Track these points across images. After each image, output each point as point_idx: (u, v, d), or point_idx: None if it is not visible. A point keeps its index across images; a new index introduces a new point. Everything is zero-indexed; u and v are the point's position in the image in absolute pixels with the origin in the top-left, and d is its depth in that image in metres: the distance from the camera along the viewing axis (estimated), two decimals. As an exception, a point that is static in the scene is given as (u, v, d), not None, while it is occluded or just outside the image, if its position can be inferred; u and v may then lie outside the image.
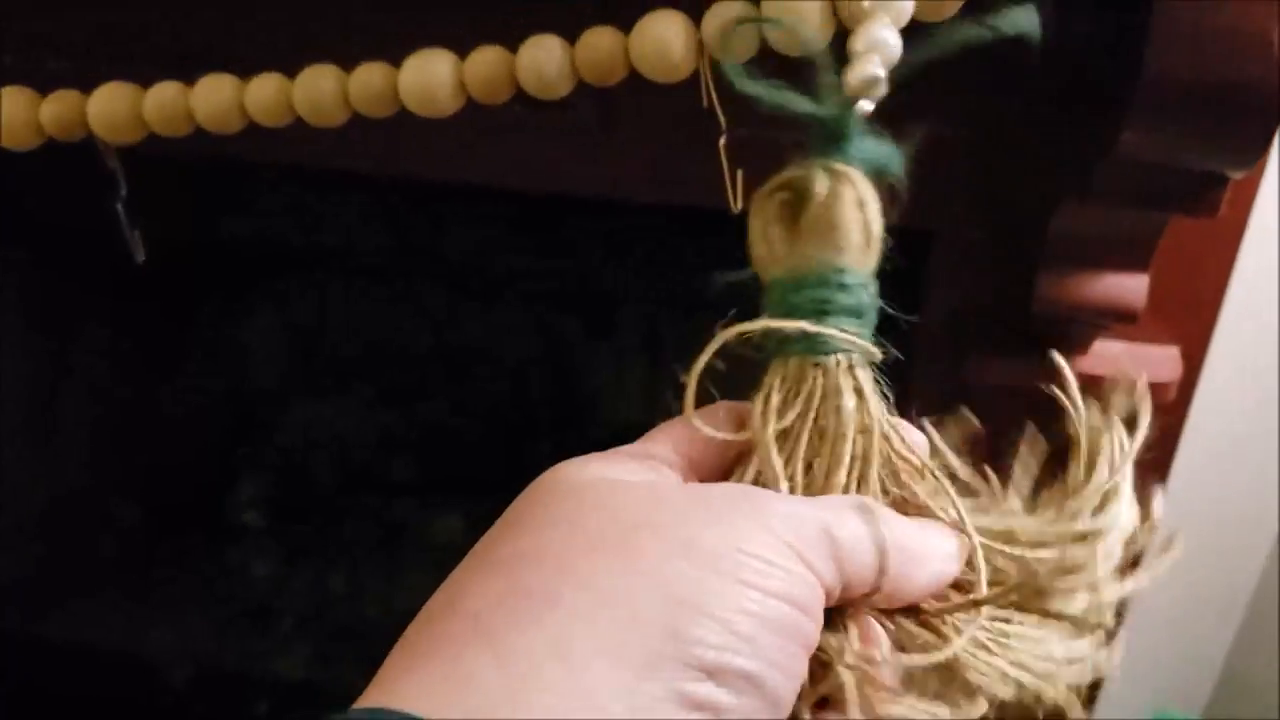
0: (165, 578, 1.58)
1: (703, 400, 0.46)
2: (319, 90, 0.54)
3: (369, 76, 0.54)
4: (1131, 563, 0.50)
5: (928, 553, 0.44)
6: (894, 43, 0.48)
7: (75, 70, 0.61)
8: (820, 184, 0.45)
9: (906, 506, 0.46)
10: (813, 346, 0.46)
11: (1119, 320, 0.81)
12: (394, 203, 1.12)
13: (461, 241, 1.21)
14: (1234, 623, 1.43)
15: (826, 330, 0.45)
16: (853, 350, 0.46)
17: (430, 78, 0.52)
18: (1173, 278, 0.85)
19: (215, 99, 0.56)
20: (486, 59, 0.52)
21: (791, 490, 0.44)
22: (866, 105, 0.46)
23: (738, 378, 0.48)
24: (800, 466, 0.45)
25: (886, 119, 0.48)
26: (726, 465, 0.47)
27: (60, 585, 1.48)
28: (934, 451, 0.52)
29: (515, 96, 0.83)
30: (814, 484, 0.45)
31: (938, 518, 0.45)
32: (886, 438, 0.46)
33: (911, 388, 0.93)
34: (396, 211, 1.14)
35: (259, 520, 1.59)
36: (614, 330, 1.41)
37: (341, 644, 1.53)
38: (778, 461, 0.45)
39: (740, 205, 0.54)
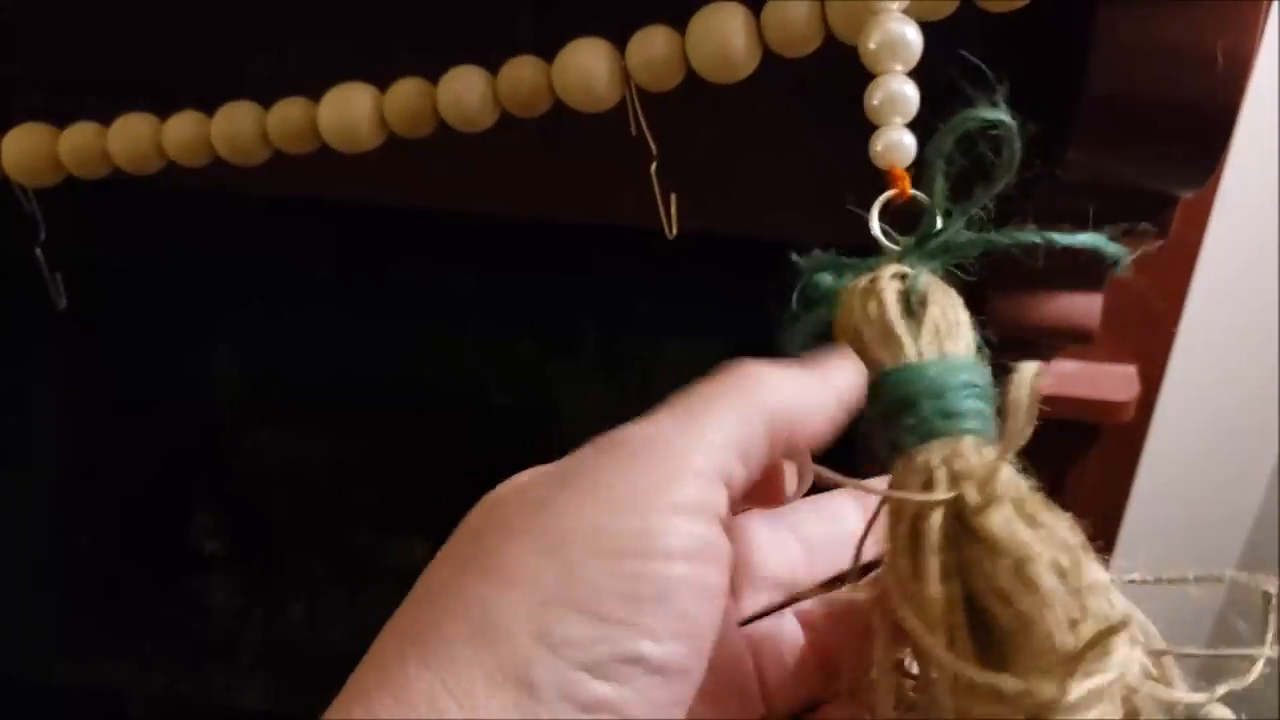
0: (124, 609, 1.56)
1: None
2: (237, 128, 0.53)
3: (288, 112, 0.52)
4: None
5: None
6: (911, 94, 0.49)
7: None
8: (938, 292, 0.46)
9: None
10: (979, 427, 0.44)
11: (1073, 340, 0.80)
12: (346, 229, 1.10)
13: (416, 266, 1.19)
14: (1203, 638, 1.42)
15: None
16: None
17: (350, 112, 0.51)
18: (1129, 295, 0.84)
19: (132, 138, 0.54)
20: (406, 92, 0.51)
21: None
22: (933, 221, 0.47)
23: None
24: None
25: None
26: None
27: (18, 618, 1.46)
28: None
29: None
30: None
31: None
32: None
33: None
34: (348, 238, 1.13)
35: (218, 549, 1.57)
36: (574, 353, 1.40)
37: (302, 674, 1.52)
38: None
39: (675, 230, 0.53)
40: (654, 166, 0.52)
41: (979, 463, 0.43)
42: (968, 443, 0.43)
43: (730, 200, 0.73)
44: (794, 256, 0.48)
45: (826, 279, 0.48)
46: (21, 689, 1.48)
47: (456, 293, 1.25)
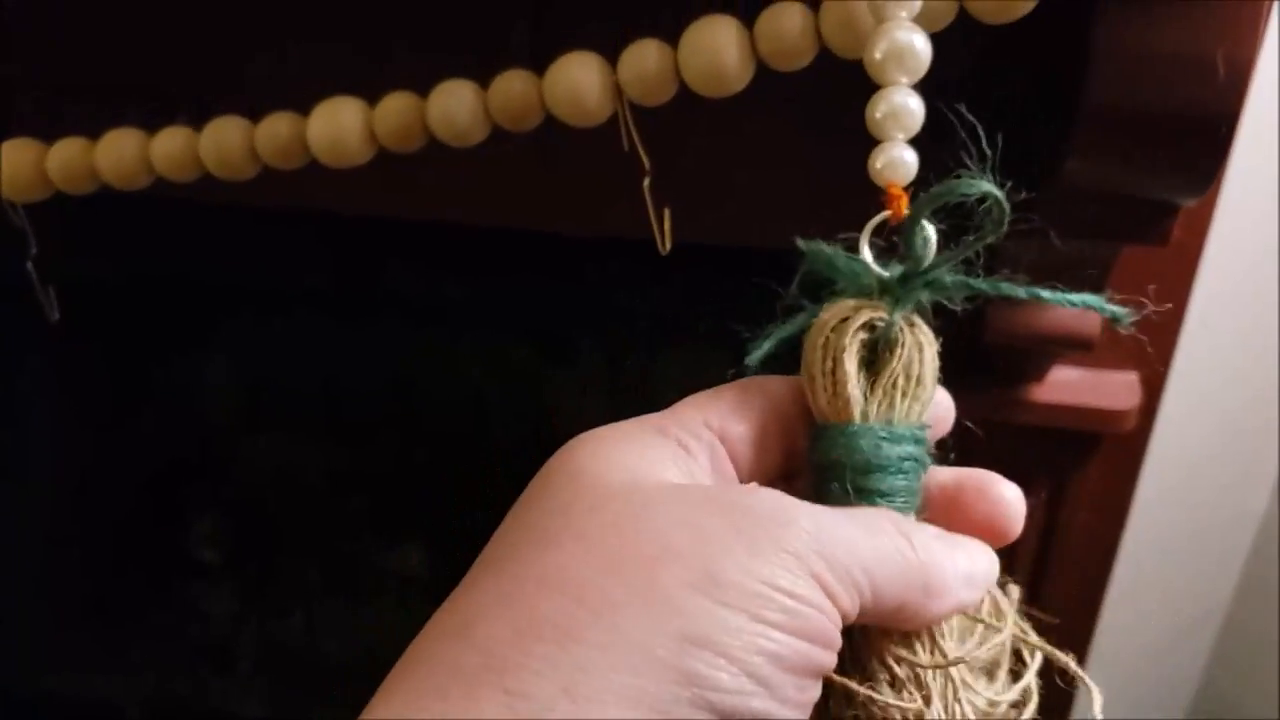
0: (120, 617, 1.56)
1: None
2: (226, 143, 0.52)
3: (277, 127, 0.52)
4: None
5: (954, 580, 0.43)
6: (916, 107, 0.48)
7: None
8: (907, 338, 0.46)
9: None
10: (898, 506, 0.44)
11: (1074, 349, 0.80)
12: (339, 238, 1.10)
13: (410, 274, 1.19)
14: (1206, 647, 1.42)
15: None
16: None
17: (339, 127, 0.50)
18: (1129, 303, 0.83)
19: (120, 154, 0.53)
20: (397, 106, 0.50)
21: None
22: (930, 252, 0.47)
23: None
24: None
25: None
26: (765, 451, 0.45)
27: (14, 628, 1.46)
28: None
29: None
30: None
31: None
32: None
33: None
34: (342, 246, 1.12)
35: (215, 558, 1.57)
36: (572, 360, 1.40)
37: (300, 681, 1.51)
38: None
39: (668, 246, 0.53)
40: (646, 182, 0.51)
41: None
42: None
43: (725, 212, 0.72)
44: (799, 242, 0.48)
45: (807, 308, 0.49)
46: (18, 698, 1.48)
47: (451, 301, 1.25)
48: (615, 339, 1.34)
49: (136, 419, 1.49)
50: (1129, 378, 0.87)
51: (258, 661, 1.53)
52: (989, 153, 0.46)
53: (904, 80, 0.47)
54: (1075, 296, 0.51)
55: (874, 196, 0.48)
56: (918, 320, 0.47)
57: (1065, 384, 0.86)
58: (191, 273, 1.07)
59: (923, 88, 0.67)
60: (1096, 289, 0.77)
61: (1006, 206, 0.46)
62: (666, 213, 0.52)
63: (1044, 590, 0.93)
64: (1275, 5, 0.57)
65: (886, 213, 0.47)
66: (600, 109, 0.49)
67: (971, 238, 0.46)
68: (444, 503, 1.47)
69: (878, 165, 0.47)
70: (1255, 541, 1.29)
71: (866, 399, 0.45)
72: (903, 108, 0.47)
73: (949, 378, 0.85)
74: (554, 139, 0.81)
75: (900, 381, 0.45)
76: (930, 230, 0.47)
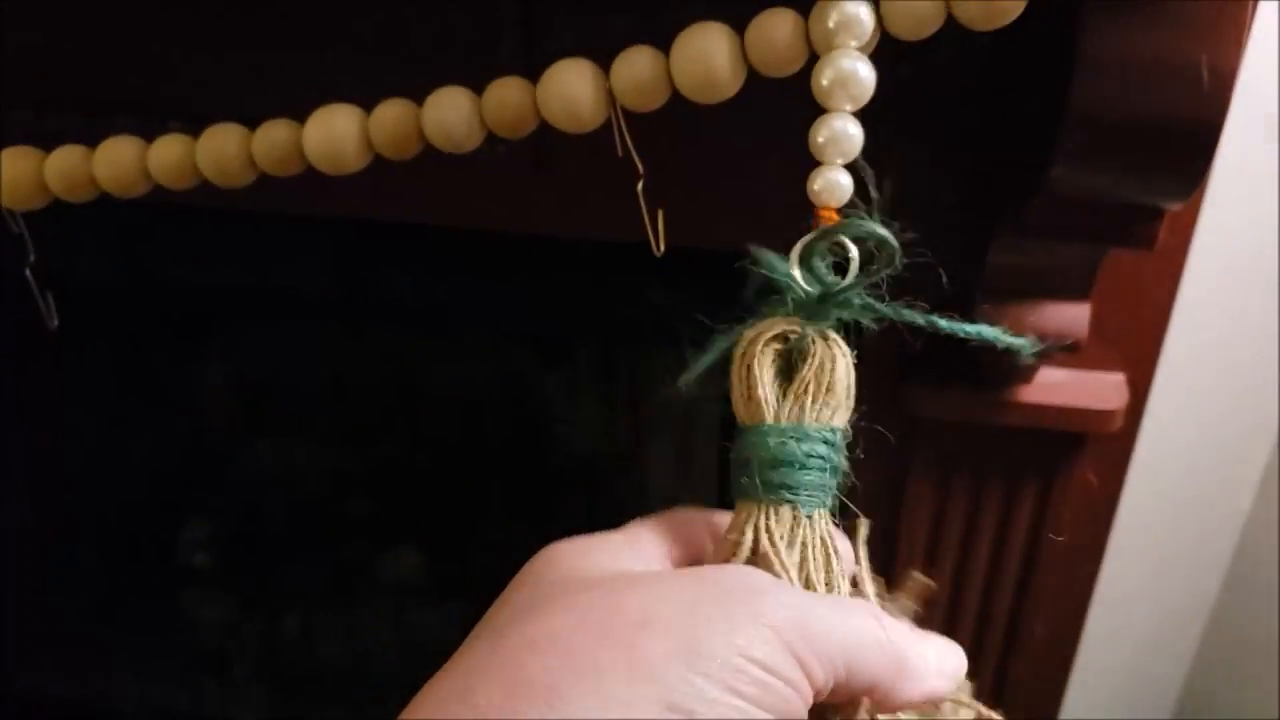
0: (118, 623, 1.56)
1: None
2: (223, 151, 0.53)
3: (273, 134, 0.52)
4: None
5: (926, 668, 0.45)
6: (855, 133, 0.49)
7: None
8: (817, 350, 0.49)
9: None
10: (803, 502, 0.48)
11: (1063, 350, 0.80)
12: (339, 243, 1.10)
13: (409, 279, 1.19)
14: (1191, 648, 1.43)
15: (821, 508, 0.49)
16: (820, 504, 0.49)
17: (335, 135, 0.51)
18: (1117, 303, 0.84)
19: (117, 163, 0.54)
20: (392, 114, 0.51)
21: None
22: (855, 278, 0.50)
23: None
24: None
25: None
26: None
27: (12, 632, 1.46)
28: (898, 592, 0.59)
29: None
30: None
31: None
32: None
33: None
34: (341, 251, 1.13)
35: (211, 563, 1.57)
36: (568, 363, 1.40)
37: (298, 687, 1.51)
38: (789, 560, 0.47)
39: (663, 249, 0.54)
40: (640, 186, 0.52)
41: (783, 532, 0.48)
42: (785, 512, 0.48)
43: (721, 215, 0.73)
44: (750, 248, 0.51)
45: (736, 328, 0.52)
46: (16, 702, 1.48)
47: (448, 305, 1.25)
48: (611, 343, 1.34)
49: (134, 425, 1.49)
50: (1116, 378, 0.88)
51: (254, 667, 1.54)
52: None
53: (847, 107, 0.49)
54: (971, 327, 0.53)
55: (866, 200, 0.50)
56: (832, 335, 0.50)
57: (1052, 385, 0.87)
58: (191, 277, 1.08)
59: (914, 94, 0.69)
60: (1083, 290, 0.78)
61: (897, 247, 0.49)
62: (660, 214, 0.52)
63: (1032, 590, 0.93)
64: (1257, 11, 0.57)
65: (814, 234, 0.50)
66: (594, 116, 0.49)
67: (874, 268, 0.50)
68: (440, 508, 1.47)
69: (815, 187, 0.50)
70: (1241, 541, 1.30)
71: (779, 403, 0.49)
72: (843, 133, 0.49)
73: (937, 377, 0.86)
74: (548, 144, 0.82)
75: (811, 388, 0.49)
76: (854, 252, 0.50)
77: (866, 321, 0.51)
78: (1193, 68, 0.57)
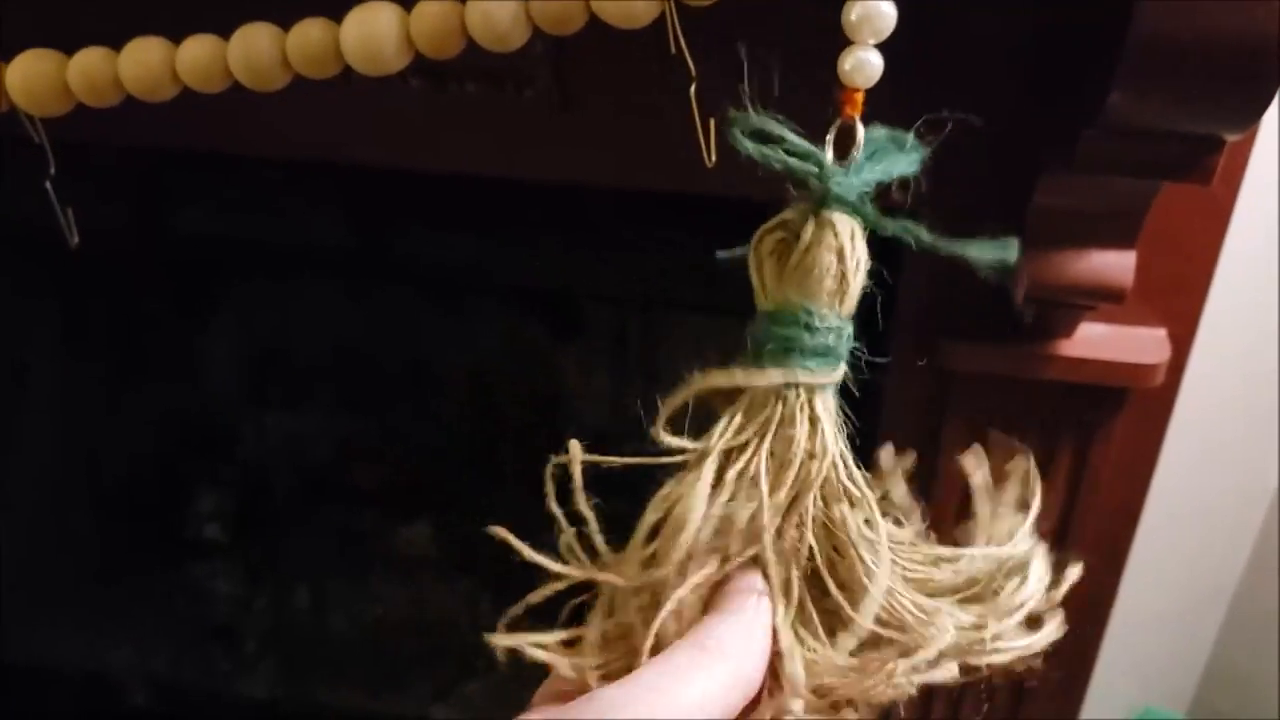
0: (125, 595, 1.55)
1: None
2: (255, 50, 0.50)
3: (308, 33, 0.50)
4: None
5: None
6: (888, 11, 0.48)
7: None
8: (807, 232, 0.49)
9: (833, 534, 0.50)
10: (788, 376, 0.49)
11: (1106, 300, 0.78)
12: (353, 198, 1.09)
13: (423, 239, 1.17)
14: (1219, 618, 1.41)
15: (793, 372, 0.49)
16: (812, 384, 0.50)
17: (374, 32, 0.49)
18: (1159, 258, 0.82)
19: (144, 63, 0.52)
20: (434, 10, 0.49)
21: (733, 497, 0.49)
22: (858, 153, 0.50)
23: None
24: (747, 479, 0.49)
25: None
26: None
27: (19, 605, 1.45)
28: (881, 478, 0.57)
29: (470, 74, 0.81)
30: (756, 497, 0.49)
31: (860, 554, 0.50)
32: (835, 466, 0.50)
33: (890, 379, 0.91)
34: (356, 207, 1.11)
35: (220, 535, 1.55)
36: (580, 332, 1.39)
37: (306, 660, 1.50)
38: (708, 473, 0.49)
39: (714, 158, 0.53)
40: (693, 88, 0.50)
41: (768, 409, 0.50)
42: (771, 391, 0.50)
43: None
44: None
45: None
46: (24, 674, 1.47)
47: (462, 270, 1.24)
48: (624, 312, 1.33)
49: (142, 395, 1.48)
50: (1158, 333, 0.86)
51: (263, 639, 1.52)
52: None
53: None
54: (955, 244, 0.51)
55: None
56: (827, 217, 0.49)
57: (1093, 339, 0.85)
58: (201, 227, 1.06)
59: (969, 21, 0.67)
60: (1130, 235, 0.76)
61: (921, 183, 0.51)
62: (712, 123, 0.51)
63: (1069, 544, 0.92)
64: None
65: (843, 118, 0.50)
66: (647, 9, 0.47)
67: (882, 166, 0.50)
68: (451, 475, 1.46)
69: (846, 66, 0.49)
70: (1270, 510, 1.29)
71: (767, 288, 0.51)
72: (875, 11, 0.48)
73: (978, 334, 0.84)
74: (574, 86, 0.81)
75: (798, 271, 0.50)
76: (862, 134, 0.50)
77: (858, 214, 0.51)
78: (1262, -16, 0.55)
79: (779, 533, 0.49)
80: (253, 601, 1.55)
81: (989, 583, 0.53)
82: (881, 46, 0.48)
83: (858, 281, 0.50)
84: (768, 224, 0.51)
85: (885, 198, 0.50)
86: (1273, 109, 0.61)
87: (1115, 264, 0.77)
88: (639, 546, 0.50)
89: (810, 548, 0.50)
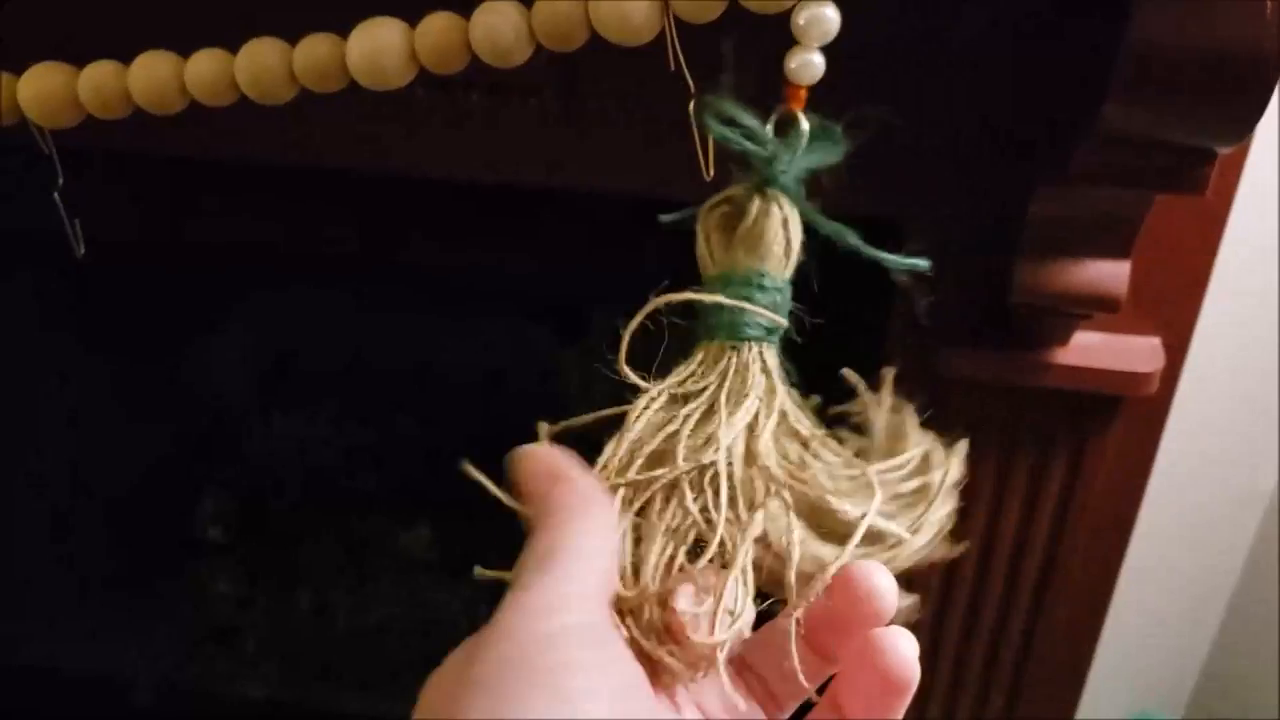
0: (129, 597, 1.55)
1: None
2: (263, 65, 0.51)
3: (315, 48, 0.51)
4: None
5: None
6: (832, 17, 0.52)
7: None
8: (754, 205, 0.54)
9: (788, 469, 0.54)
10: (732, 331, 0.54)
11: (1101, 309, 0.79)
12: (360, 205, 1.09)
13: (429, 246, 1.18)
14: (1215, 623, 1.42)
15: (743, 306, 0.54)
16: (763, 337, 0.55)
17: (379, 48, 0.50)
18: (1153, 267, 0.83)
19: (153, 77, 0.53)
20: (438, 26, 0.49)
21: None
22: (800, 140, 0.55)
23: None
24: (698, 414, 0.53)
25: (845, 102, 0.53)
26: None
27: (25, 605, 1.45)
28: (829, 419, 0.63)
29: (476, 83, 0.81)
30: (709, 428, 0.52)
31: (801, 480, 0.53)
32: (784, 410, 0.55)
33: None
34: (362, 214, 1.12)
35: (223, 537, 1.56)
36: (584, 337, 1.39)
37: (308, 662, 1.50)
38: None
39: (712, 172, 0.57)
40: (692, 104, 0.51)
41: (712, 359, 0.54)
42: (720, 348, 0.54)
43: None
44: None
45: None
46: (28, 675, 1.47)
47: (467, 276, 1.25)
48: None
49: (151, 397, 1.48)
50: (1152, 342, 0.87)
51: (266, 641, 1.53)
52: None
53: None
54: (875, 251, 0.57)
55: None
56: (770, 191, 0.55)
57: (1088, 347, 0.86)
58: (210, 233, 1.06)
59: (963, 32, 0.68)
60: (1124, 246, 0.77)
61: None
62: (711, 138, 0.52)
63: (1061, 554, 0.92)
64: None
65: (785, 105, 0.55)
66: (647, 25, 0.48)
67: (816, 152, 0.55)
68: (453, 480, 1.46)
69: (791, 65, 0.53)
70: (1264, 517, 1.29)
71: (722, 255, 0.55)
72: (821, 16, 0.52)
73: (972, 340, 0.85)
74: (579, 97, 0.81)
75: (744, 240, 0.55)
76: (804, 125, 0.55)
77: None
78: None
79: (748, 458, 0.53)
80: (255, 603, 1.55)
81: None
82: (880, 58, 0.50)
83: (797, 249, 0.55)
84: (713, 199, 0.56)
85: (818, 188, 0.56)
86: (1269, 119, 0.62)
87: (1110, 274, 0.78)
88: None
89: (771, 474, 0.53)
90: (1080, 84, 0.65)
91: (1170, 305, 0.87)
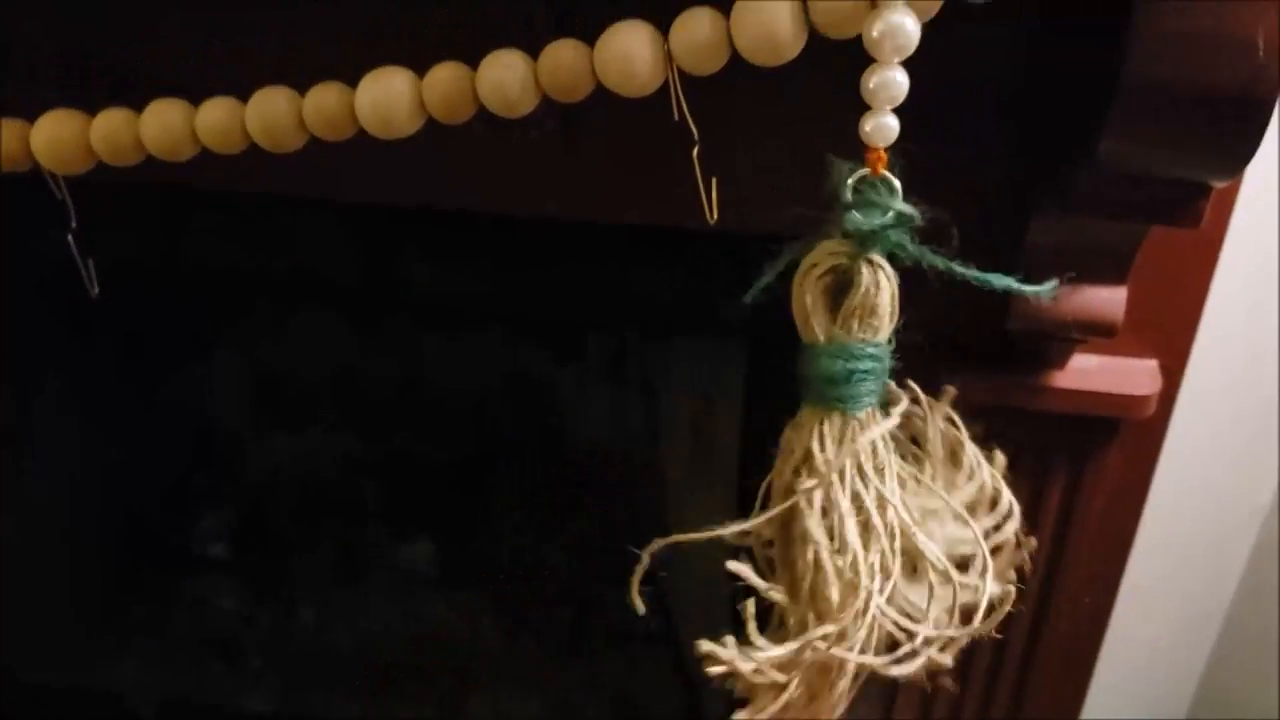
0: (130, 613, 1.55)
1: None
2: (273, 113, 0.52)
3: (324, 98, 0.51)
4: None
5: None
6: (902, 82, 0.53)
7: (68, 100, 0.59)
8: (864, 276, 0.56)
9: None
10: (853, 405, 0.58)
11: (1098, 335, 0.80)
12: (358, 229, 1.10)
13: (427, 270, 1.19)
14: (1211, 642, 1.42)
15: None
16: (874, 403, 0.59)
17: (388, 97, 0.50)
18: (1151, 290, 0.84)
19: (165, 125, 0.53)
20: (446, 76, 0.50)
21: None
22: (907, 209, 0.56)
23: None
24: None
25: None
26: None
27: (26, 620, 1.45)
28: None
29: (478, 115, 0.82)
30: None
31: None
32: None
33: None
34: (360, 238, 1.12)
35: (224, 552, 1.56)
36: (581, 355, 1.40)
37: (310, 676, 1.51)
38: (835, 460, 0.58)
39: (716, 216, 0.57)
40: (695, 151, 0.51)
41: (836, 433, 0.58)
42: (836, 417, 0.58)
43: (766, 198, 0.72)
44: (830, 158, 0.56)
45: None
46: (29, 690, 1.47)
47: (464, 295, 1.25)
48: (625, 335, 1.34)
49: (152, 415, 1.48)
50: (1149, 364, 0.87)
51: (267, 656, 1.53)
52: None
53: (895, 58, 0.52)
54: (987, 275, 0.60)
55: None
56: (877, 259, 0.57)
57: (1085, 370, 0.86)
58: (208, 260, 1.07)
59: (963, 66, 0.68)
60: (1120, 273, 0.78)
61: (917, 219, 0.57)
62: (714, 182, 0.52)
63: (1061, 574, 0.93)
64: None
65: (865, 170, 0.55)
66: (651, 78, 0.49)
67: (909, 214, 0.56)
68: (453, 499, 1.46)
69: (867, 129, 0.54)
70: (1260, 537, 1.29)
71: (829, 325, 0.57)
72: (891, 81, 0.53)
73: (970, 363, 0.86)
74: (581, 128, 0.82)
75: (858, 312, 0.57)
76: (896, 185, 0.56)
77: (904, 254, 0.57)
78: (1248, 40, 0.57)
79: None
80: (256, 617, 1.55)
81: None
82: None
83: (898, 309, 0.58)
84: (812, 263, 0.57)
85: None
86: (1268, 144, 0.63)
87: (1107, 300, 0.78)
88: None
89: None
90: (1078, 118, 0.66)
91: (1167, 328, 0.88)
